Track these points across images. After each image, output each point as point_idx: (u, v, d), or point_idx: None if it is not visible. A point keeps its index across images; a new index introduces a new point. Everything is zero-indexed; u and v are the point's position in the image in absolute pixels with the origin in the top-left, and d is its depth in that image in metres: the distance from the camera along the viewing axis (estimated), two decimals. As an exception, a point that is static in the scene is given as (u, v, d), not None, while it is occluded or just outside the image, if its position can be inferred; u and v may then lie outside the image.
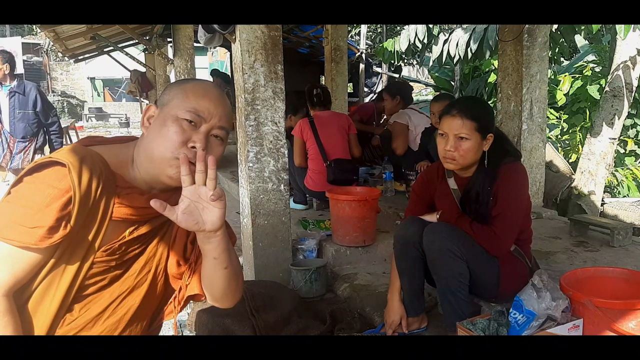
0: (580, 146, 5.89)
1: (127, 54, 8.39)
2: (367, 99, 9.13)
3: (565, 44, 5.84)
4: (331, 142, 3.85)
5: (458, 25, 6.61)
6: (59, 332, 1.14)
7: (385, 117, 5.30)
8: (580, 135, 6.12)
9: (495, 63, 6.95)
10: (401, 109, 4.39)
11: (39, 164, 1.07)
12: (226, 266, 1.20)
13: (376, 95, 7.18)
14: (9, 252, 1.03)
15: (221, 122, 1.17)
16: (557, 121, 6.53)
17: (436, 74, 9.41)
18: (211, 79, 7.80)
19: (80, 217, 1.07)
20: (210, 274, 1.22)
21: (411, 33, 6.69)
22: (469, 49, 6.13)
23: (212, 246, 1.16)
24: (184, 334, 2.51)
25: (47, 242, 1.04)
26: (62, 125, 9.84)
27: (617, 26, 4.40)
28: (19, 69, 17.16)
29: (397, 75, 10.23)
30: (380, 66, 10.53)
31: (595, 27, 5.24)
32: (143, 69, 9.58)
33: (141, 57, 10.02)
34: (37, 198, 1.04)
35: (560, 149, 6.19)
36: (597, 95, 5.88)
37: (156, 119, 1.16)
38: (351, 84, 9.38)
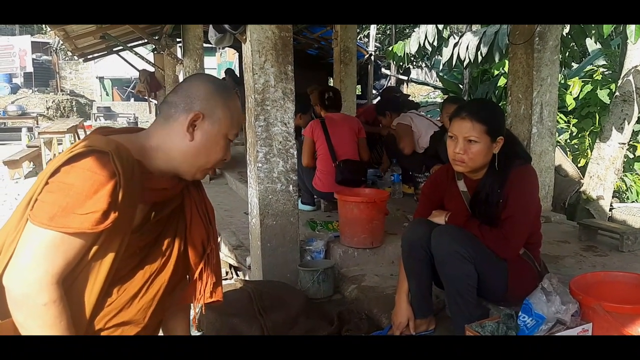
0: (589, 151, 5.86)
1: (136, 53, 8.44)
2: (375, 101, 9.12)
3: (575, 47, 5.81)
4: (341, 142, 3.86)
5: (468, 29, 6.61)
6: (101, 314, 1.20)
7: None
8: (590, 139, 6.09)
9: (505, 67, 6.93)
10: (393, 119, 4.46)
11: (76, 154, 1.11)
12: None
13: (380, 93, 7.19)
14: (62, 240, 1.07)
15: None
16: (566, 125, 6.50)
17: (445, 77, 9.39)
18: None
19: (124, 202, 1.12)
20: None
21: (421, 36, 6.69)
22: (479, 52, 6.12)
23: None
24: (192, 333, 2.52)
25: (101, 226, 1.09)
26: (71, 124, 9.91)
27: (628, 30, 4.38)
28: (29, 68, 17.32)
29: (405, 78, 10.22)
30: (389, 68, 10.53)
31: (606, 31, 5.20)
32: (152, 69, 9.63)
33: (150, 57, 10.07)
34: (84, 185, 1.08)
35: (569, 153, 6.16)
36: (607, 100, 5.84)
37: (204, 130, 1.26)
38: (359, 85, 9.38)
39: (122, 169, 1.11)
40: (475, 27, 7.00)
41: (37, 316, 1.06)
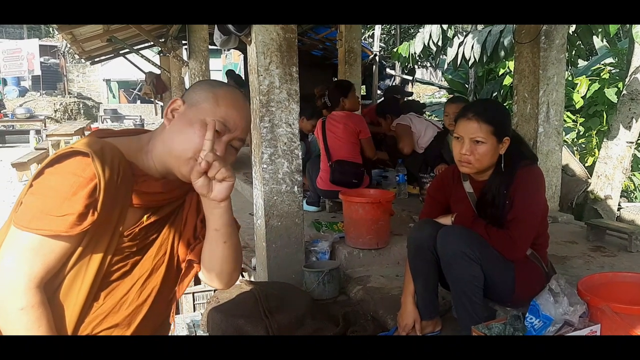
0: (596, 150, 5.82)
1: (142, 56, 8.49)
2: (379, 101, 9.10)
3: (582, 46, 5.77)
4: (335, 143, 3.89)
5: (473, 28, 6.58)
6: (87, 320, 1.17)
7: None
8: (597, 138, 6.04)
9: (511, 66, 6.89)
10: (392, 121, 4.49)
11: (59, 155, 1.09)
12: (225, 240, 1.25)
13: (383, 92, 7.19)
14: (40, 243, 1.06)
15: (242, 134, 1.22)
16: (573, 124, 6.46)
17: (450, 77, 9.36)
18: (224, 80, 7.87)
19: (106, 204, 1.09)
20: (210, 247, 1.27)
21: (426, 36, 6.68)
22: (484, 52, 6.09)
23: (215, 216, 1.21)
24: (198, 334, 2.52)
25: (77, 229, 1.06)
26: (79, 127, 9.96)
27: (634, 32, 4.35)
28: (37, 71, 17.45)
29: (410, 78, 10.20)
30: (394, 68, 10.51)
31: (612, 29, 5.16)
32: (158, 71, 9.67)
33: (156, 59, 10.10)
34: (63, 187, 1.06)
35: (576, 152, 6.12)
36: (614, 99, 5.80)
37: (182, 115, 1.19)
38: (364, 86, 9.37)
39: (103, 171, 1.07)
40: (480, 26, 6.97)
41: (14, 321, 1.04)
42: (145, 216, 1.21)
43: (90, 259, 1.13)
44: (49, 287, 1.10)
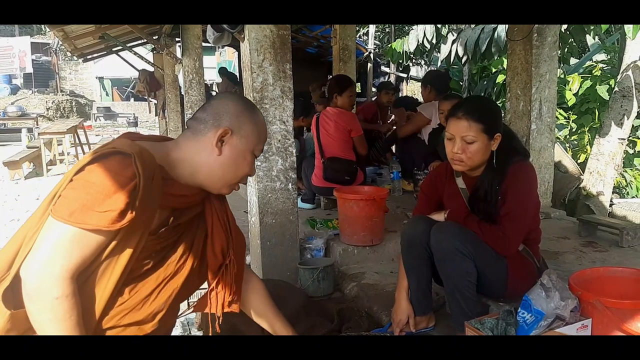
0: (588, 146, 5.86)
1: (135, 53, 8.44)
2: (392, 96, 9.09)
3: (574, 43, 5.81)
4: (328, 140, 3.90)
5: (467, 25, 6.60)
6: (112, 313, 1.22)
7: (392, 116, 5.36)
8: (589, 135, 6.09)
9: (504, 63, 6.92)
10: (434, 97, 4.25)
11: (101, 154, 1.15)
12: None
13: (376, 88, 7.18)
14: (79, 236, 1.10)
15: None
16: (565, 121, 6.50)
17: (444, 74, 9.38)
18: (219, 78, 7.85)
19: (142, 203, 1.15)
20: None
21: (419, 33, 6.69)
22: (477, 49, 6.11)
23: None
24: (192, 333, 2.53)
25: (117, 225, 1.11)
26: (71, 125, 9.90)
27: (626, 26, 4.38)
28: (28, 69, 17.34)
29: (405, 75, 10.22)
30: (388, 66, 10.52)
31: (604, 26, 5.20)
32: (151, 69, 9.62)
33: (149, 56, 10.06)
34: (106, 184, 1.11)
35: (568, 149, 6.16)
36: (606, 96, 5.84)
37: (233, 148, 1.32)
38: (359, 83, 9.37)
39: (143, 172, 1.14)
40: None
41: (48, 309, 1.09)
42: (172, 218, 1.28)
43: (120, 255, 1.18)
44: (79, 278, 1.15)
